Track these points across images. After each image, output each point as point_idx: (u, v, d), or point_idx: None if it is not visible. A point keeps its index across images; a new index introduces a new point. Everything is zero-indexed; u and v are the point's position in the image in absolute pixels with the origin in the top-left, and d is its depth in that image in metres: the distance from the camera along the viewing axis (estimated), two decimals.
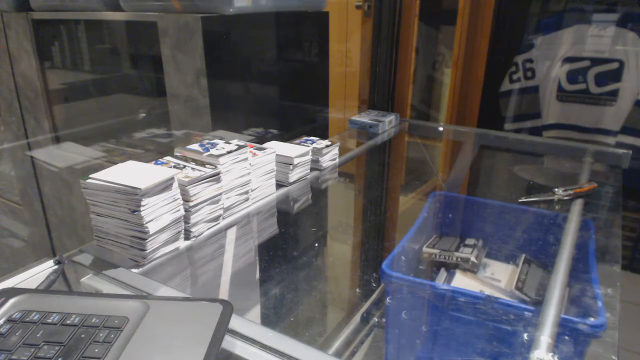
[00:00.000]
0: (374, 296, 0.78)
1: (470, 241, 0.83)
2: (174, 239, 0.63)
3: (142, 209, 0.56)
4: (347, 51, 1.86)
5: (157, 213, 0.59)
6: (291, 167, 0.86)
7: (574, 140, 1.66)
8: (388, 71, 1.38)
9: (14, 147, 1.43)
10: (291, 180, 0.87)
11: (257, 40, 1.08)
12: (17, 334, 0.40)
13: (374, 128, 1.24)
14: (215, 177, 0.68)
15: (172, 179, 0.60)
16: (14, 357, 0.38)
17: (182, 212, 0.63)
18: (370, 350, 0.77)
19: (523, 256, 0.76)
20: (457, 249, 0.80)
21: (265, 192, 0.81)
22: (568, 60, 1.64)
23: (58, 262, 0.59)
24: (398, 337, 0.68)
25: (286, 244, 0.77)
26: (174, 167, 0.67)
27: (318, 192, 0.91)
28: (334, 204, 0.94)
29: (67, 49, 1.26)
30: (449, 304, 0.61)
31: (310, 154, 0.91)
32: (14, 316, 0.42)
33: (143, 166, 0.63)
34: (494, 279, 0.78)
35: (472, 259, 0.77)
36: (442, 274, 0.78)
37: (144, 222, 0.57)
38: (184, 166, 0.67)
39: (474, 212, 0.90)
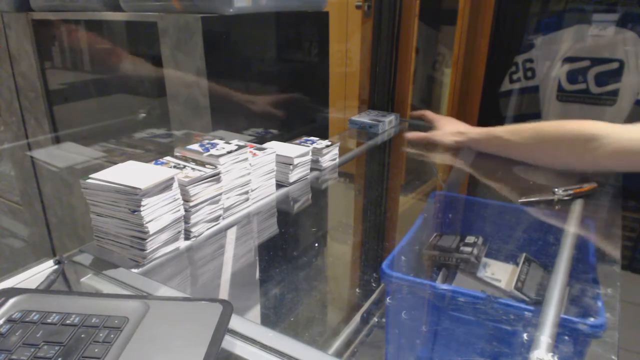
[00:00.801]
0: (374, 296, 0.78)
1: (470, 239, 0.83)
2: (174, 239, 0.63)
3: (142, 209, 0.56)
4: (347, 51, 1.86)
5: (157, 213, 0.59)
6: (291, 167, 0.86)
7: None
8: (388, 71, 1.38)
9: (14, 147, 1.43)
10: (291, 180, 0.87)
11: (257, 40, 1.08)
12: (17, 334, 0.40)
13: (374, 128, 1.25)
14: (215, 177, 0.68)
15: (172, 179, 0.60)
16: (14, 357, 0.38)
17: (182, 212, 0.63)
18: (370, 350, 0.77)
19: (523, 256, 0.76)
20: (457, 248, 0.80)
21: (265, 192, 0.81)
22: (568, 60, 1.64)
23: (58, 262, 0.59)
24: (398, 337, 0.68)
25: (286, 244, 0.77)
26: (174, 167, 0.67)
27: (318, 192, 0.91)
28: (334, 204, 0.94)
29: (67, 49, 1.26)
30: (449, 304, 0.61)
31: (310, 154, 0.91)
32: (14, 316, 0.42)
33: (143, 166, 0.63)
34: (494, 278, 0.78)
35: (472, 259, 0.77)
36: (443, 274, 0.78)
37: (144, 222, 0.57)
38: (184, 166, 0.67)
39: (474, 212, 0.90)
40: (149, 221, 0.58)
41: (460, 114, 1.68)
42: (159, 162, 0.69)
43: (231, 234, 0.72)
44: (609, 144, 0.78)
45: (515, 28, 1.73)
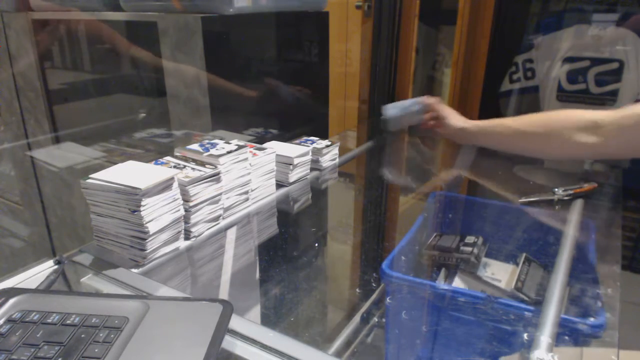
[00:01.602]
0: (374, 296, 0.78)
1: (470, 239, 0.83)
2: (174, 239, 0.63)
3: (142, 209, 0.56)
4: (347, 51, 1.86)
5: (157, 213, 0.59)
6: (291, 167, 0.86)
7: None
8: (388, 71, 1.38)
9: (14, 147, 1.43)
10: (291, 180, 0.87)
11: (257, 40, 1.08)
12: (17, 334, 0.40)
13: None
14: (215, 177, 0.68)
15: (172, 179, 0.60)
16: (14, 357, 0.38)
17: (182, 212, 0.63)
18: (370, 350, 0.77)
19: (523, 255, 0.76)
20: (457, 248, 0.80)
21: (265, 192, 0.81)
22: (568, 60, 1.63)
23: (58, 262, 0.59)
24: (398, 337, 0.68)
25: (286, 244, 0.77)
26: (174, 167, 0.67)
27: (318, 192, 0.91)
28: (334, 204, 0.94)
29: (67, 49, 1.26)
30: (449, 304, 0.61)
31: (310, 154, 0.91)
32: (14, 316, 0.42)
33: (143, 166, 0.63)
34: (494, 278, 0.78)
35: (472, 259, 0.77)
36: (443, 274, 0.78)
37: (144, 222, 0.57)
38: (184, 166, 0.67)
39: (474, 212, 0.90)
40: (149, 221, 0.58)
41: (460, 114, 1.68)
42: (159, 162, 0.69)
43: (231, 234, 0.72)
44: (611, 122, 0.80)
45: (515, 28, 1.73)
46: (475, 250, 0.79)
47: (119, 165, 0.63)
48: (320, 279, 0.79)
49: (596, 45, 1.58)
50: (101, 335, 0.40)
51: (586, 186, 0.84)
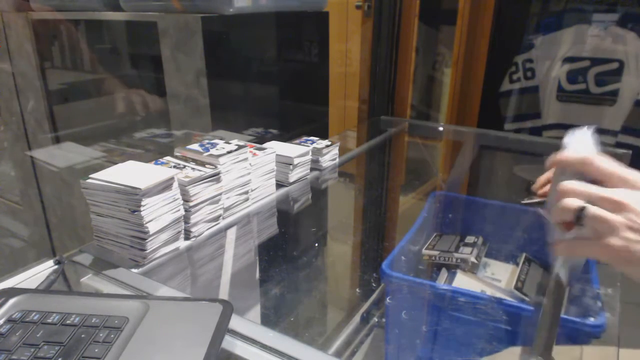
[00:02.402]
0: (374, 296, 0.78)
1: (470, 239, 0.83)
2: (174, 239, 0.63)
3: (142, 209, 0.56)
4: (347, 51, 1.86)
5: (157, 213, 0.59)
6: (291, 167, 0.86)
7: None
8: (388, 71, 1.38)
9: (14, 147, 1.43)
10: (291, 180, 0.87)
11: (257, 40, 1.08)
12: (17, 334, 0.40)
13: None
14: (215, 177, 0.68)
15: (172, 179, 0.60)
16: (14, 357, 0.38)
17: (182, 212, 0.63)
18: (370, 350, 0.77)
19: (523, 255, 0.76)
20: (457, 249, 0.80)
21: (265, 192, 0.81)
22: (568, 60, 1.63)
23: (58, 262, 0.59)
24: (398, 337, 0.68)
25: (286, 244, 0.77)
26: (174, 167, 0.67)
27: (318, 192, 0.91)
28: (334, 204, 0.94)
29: (67, 49, 1.26)
30: (449, 304, 0.61)
31: (310, 154, 0.91)
32: (14, 316, 0.42)
33: (143, 166, 0.63)
34: (494, 278, 0.78)
35: (472, 259, 0.77)
36: (443, 274, 0.78)
37: (144, 222, 0.57)
38: (184, 166, 0.67)
39: (474, 212, 0.90)
40: (149, 221, 0.58)
41: (460, 114, 1.68)
42: (159, 162, 0.69)
43: (231, 234, 0.72)
44: None
45: (515, 28, 1.73)
46: (475, 251, 0.79)
47: (119, 165, 0.63)
48: (320, 279, 0.79)
49: (596, 45, 1.58)
50: (101, 335, 0.40)
51: None
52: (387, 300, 0.67)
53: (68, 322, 0.41)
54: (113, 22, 1.13)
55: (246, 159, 0.74)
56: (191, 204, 0.64)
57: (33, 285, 0.55)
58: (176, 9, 0.96)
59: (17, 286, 0.54)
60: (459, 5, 1.59)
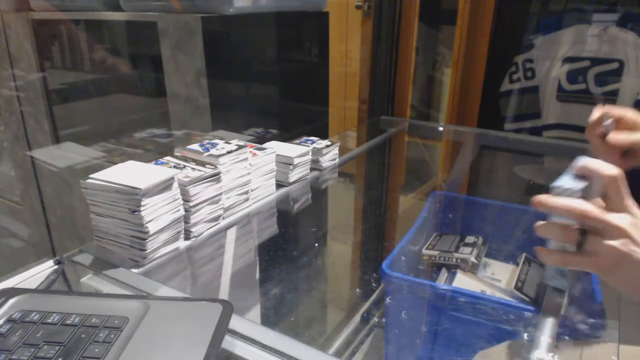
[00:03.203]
0: (374, 296, 0.78)
1: (470, 239, 0.83)
2: (174, 239, 0.63)
3: (142, 209, 0.56)
4: (347, 51, 1.86)
5: (157, 213, 0.59)
6: (291, 167, 0.86)
7: (574, 140, 1.66)
8: (388, 71, 1.38)
9: (14, 147, 1.43)
10: (291, 180, 0.87)
11: (257, 40, 1.08)
12: (17, 334, 0.40)
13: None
14: (215, 177, 0.68)
15: (172, 179, 0.60)
16: (14, 357, 0.38)
17: (182, 212, 0.63)
18: (370, 350, 0.77)
19: (523, 255, 0.76)
20: (457, 249, 0.80)
21: (265, 192, 0.81)
22: (568, 60, 1.63)
23: (58, 262, 0.59)
24: (398, 337, 0.68)
25: (286, 244, 0.77)
26: (174, 167, 0.67)
27: (318, 192, 0.91)
28: (334, 204, 0.94)
29: (67, 49, 1.26)
30: (449, 304, 0.61)
31: (310, 154, 0.91)
32: (14, 316, 0.42)
33: (143, 166, 0.63)
34: (494, 278, 0.78)
35: (472, 259, 0.77)
36: (443, 274, 0.78)
37: (144, 222, 0.57)
38: (184, 166, 0.67)
39: (474, 212, 0.90)
40: (149, 221, 0.58)
41: (460, 114, 1.68)
42: (159, 162, 0.69)
43: (231, 234, 0.72)
44: None
45: (515, 28, 1.73)
46: (475, 251, 0.79)
47: (119, 165, 0.63)
48: (320, 279, 0.79)
49: (596, 45, 1.58)
50: (101, 335, 0.40)
51: None
52: (387, 300, 0.67)
53: (68, 322, 0.41)
54: (113, 22, 1.13)
55: (246, 159, 0.74)
56: (191, 204, 0.64)
57: (33, 285, 0.55)
58: (176, 9, 0.96)
59: (17, 286, 0.54)
60: (459, 5, 1.59)
